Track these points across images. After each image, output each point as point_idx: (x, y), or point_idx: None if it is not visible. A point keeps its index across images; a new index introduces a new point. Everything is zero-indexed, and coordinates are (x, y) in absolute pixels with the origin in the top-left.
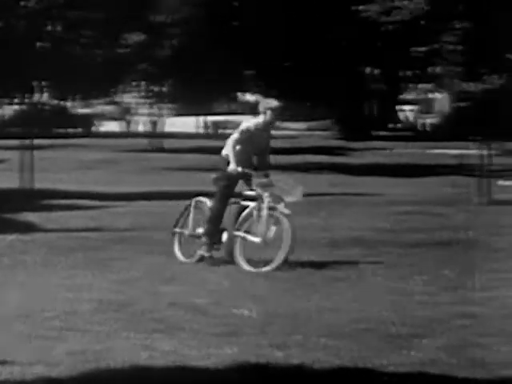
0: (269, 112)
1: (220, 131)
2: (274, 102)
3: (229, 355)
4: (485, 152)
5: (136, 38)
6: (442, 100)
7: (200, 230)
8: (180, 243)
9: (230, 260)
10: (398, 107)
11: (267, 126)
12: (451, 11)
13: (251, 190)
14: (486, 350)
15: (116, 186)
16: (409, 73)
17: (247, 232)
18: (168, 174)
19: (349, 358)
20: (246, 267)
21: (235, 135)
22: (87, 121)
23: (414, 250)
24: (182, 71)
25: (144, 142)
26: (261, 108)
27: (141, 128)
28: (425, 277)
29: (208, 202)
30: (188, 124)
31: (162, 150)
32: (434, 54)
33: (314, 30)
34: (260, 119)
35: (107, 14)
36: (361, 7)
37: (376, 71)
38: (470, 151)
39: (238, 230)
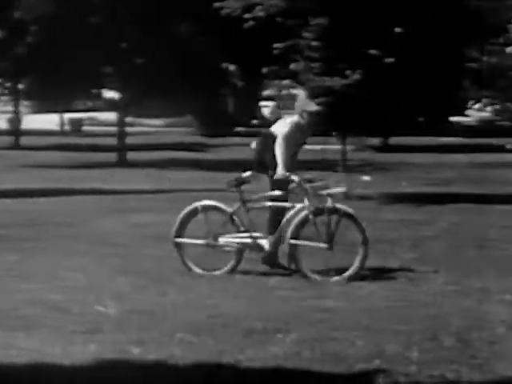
0: (305, 114)
1: (81, 128)
2: (312, 106)
3: (89, 352)
4: (344, 147)
5: None
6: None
7: (224, 239)
8: (188, 254)
9: (294, 270)
10: (259, 103)
11: (301, 128)
12: (308, 7)
13: (291, 192)
14: (342, 343)
15: None
16: (269, 69)
17: (305, 239)
18: (26, 171)
19: (207, 353)
20: (315, 277)
21: (285, 131)
22: None
23: None
24: (42, 68)
25: (2, 139)
26: (297, 109)
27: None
28: (282, 271)
29: (227, 208)
30: (48, 121)
31: (20, 147)
32: (293, 50)
33: (173, 25)
34: (294, 119)
35: None
36: (220, 4)
37: (237, 67)
38: (330, 146)
39: (296, 237)
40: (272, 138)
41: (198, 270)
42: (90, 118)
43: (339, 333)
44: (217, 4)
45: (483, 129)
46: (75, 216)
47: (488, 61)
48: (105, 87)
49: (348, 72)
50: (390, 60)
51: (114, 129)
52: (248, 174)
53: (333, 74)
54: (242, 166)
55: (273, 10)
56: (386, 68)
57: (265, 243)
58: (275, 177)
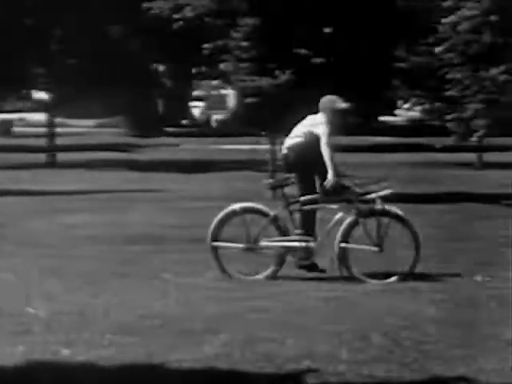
0: (333, 112)
1: (11, 129)
2: (342, 103)
3: (18, 353)
4: (271, 147)
5: None
6: (231, 96)
7: (266, 243)
8: (225, 258)
9: (346, 274)
10: (189, 104)
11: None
12: (237, 8)
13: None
14: (273, 343)
15: None
16: (199, 69)
17: (356, 242)
18: None
19: (137, 354)
20: (366, 280)
21: (326, 130)
22: None
23: (203, 246)
24: None
25: None
26: (321, 106)
27: None
28: (216, 272)
29: (270, 211)
30: None
31: None
32: (222, 51)
33: (104, 26)
34: (326, 117)
35: None
36: (149, 4)
37: (167, 68)
38: (260, 146)
39: (345, 240)
40: (313, 138)
41: (236, 275)
42: (20, 119)
43: (271, 333)
44: (146, 5)
45: (413, 128)
46: (5, 217)
47: (417, 61)
48: (35, 88)
49: (277, 72)
50: (320, 60)
51: (44, 130)
52: (289, 175)
53: (262, 74)
54: (174, 166)
55: (202, 11)
56: (316, 68)
57: (312, 246)
58: (326, 185)
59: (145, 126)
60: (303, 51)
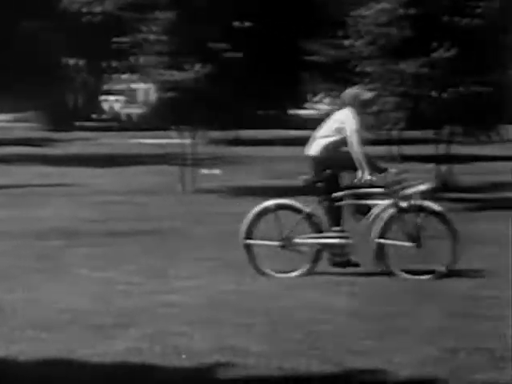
0: (360, 104)
1: None
2: (366, 94)
3: None
4: (189, 141)
5: None
6: (146, 90)
7: (302, 240)
8: (259, 256)
9: (383, 270)
10: (102, 97)
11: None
12: (154, 1)
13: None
14: (185, 337)
15: None
16: (113, 63)
17: (392, 238)
18: None
19: (54, 349)
20: (404, 276)
21: (354, 126)
22: None
23: (118, 240)
24: None
25: None
26: (348, 100)
27: None
28: (130, 266)
29: (304, 207)
30: None
31: None
32: (137, 45)
33: (16, 22)
34: (352, 111)
35: None
36: None
37: (80, 62)
38: (175, 140)
39: (383, 236)
40: (344, 135)
41: (271, 273)
42: None
43: (183, 327)
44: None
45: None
46: None
47: (328, 54)
48: None
49: (193, 66)
50: (236, 54)
51: None
52: (321, 172)
53: (179, 69)
54: (89, 160)
55: (119, 4)
56: (232, 62)
57: (349, 242)
58: (360, 181)
59: (58, 121)
60: (219, 45)
